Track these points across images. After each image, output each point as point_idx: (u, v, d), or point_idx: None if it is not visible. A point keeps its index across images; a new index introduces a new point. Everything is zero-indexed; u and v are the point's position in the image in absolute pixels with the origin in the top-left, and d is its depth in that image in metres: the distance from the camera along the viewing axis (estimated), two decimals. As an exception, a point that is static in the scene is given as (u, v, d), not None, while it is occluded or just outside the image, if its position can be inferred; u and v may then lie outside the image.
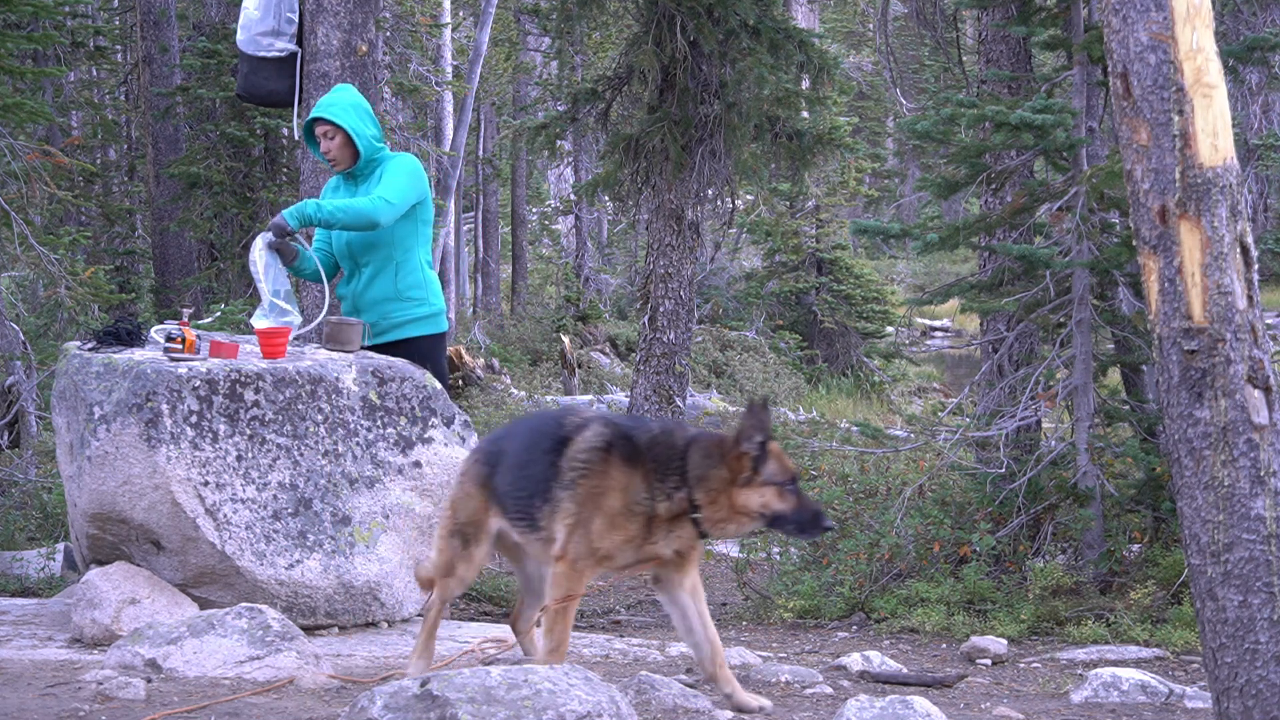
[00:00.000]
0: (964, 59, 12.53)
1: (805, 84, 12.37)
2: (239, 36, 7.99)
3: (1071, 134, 7.45)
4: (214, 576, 5.74)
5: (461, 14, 23.63)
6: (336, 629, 5.90)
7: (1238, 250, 3.54)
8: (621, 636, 6.56)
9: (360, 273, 6.40)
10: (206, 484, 5.64)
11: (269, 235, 6.13)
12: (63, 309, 11.60)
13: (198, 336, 5.93)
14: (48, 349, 11.15)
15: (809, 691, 5.22)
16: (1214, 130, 3.54)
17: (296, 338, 6.31)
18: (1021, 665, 6.19)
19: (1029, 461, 7.49)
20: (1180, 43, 3.57)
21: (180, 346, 5.82)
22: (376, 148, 6.27)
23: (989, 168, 7.82)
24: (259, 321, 6.17)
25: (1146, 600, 6.83)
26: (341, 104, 6.26)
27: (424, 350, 6.40)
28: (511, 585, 8.18)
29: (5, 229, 10.58)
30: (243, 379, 5.77)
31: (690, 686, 4.69)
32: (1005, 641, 6.48)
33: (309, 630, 5.58)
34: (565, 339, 18.02)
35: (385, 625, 6.06)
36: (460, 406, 8.26)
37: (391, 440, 6.08)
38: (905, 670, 5.81)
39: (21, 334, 10.59)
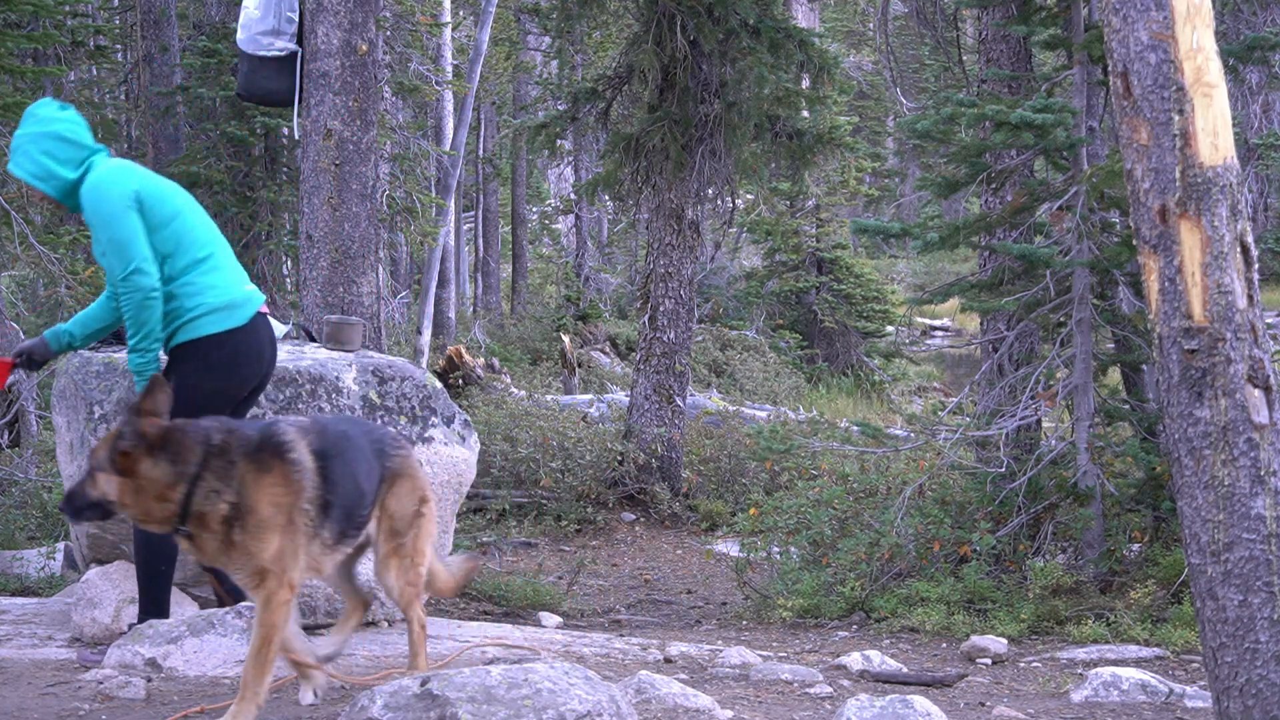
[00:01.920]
0: (964, 58, 12.53)
1: (805, 83, 12.38)
2: (239, 36, 7.98)
3: (1071, 133, 7.45)
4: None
5: (461, 13, 23.60)
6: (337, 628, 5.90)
7: (1238, 249, 3.54)
8: (621, 636, 6.55)
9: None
10: (206, 483, 5.64)
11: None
12: (63, 308, 11.58)
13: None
14: (48, 348, 11.12)
15: (809, 691, 5.23)
16: (1214, 129, 3.54)
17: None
18: (1021, 665, 6.18)
19: (1029, 461, 7.49)
20: (1180, 42, 3.57)
21: (180, 346, 5.80)
22: (68, 180, 5.10)
23: (989, 167, 7.82)
24: None
25: (1146, 600, 6.82)
26: (22, 148, 5.12)
27: (171, 365, 5.19)
28: (512, 585, 8.19)
29: (5, 228, 10.58)
30: (243, 378, 5.75)
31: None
32: (1005, 641, 6.48)
33: (309, 630, 5.57)
34: (565, 338, 18.00)
35: (385, 625, 6.05)
36: (460, 406, 8.27)
37: (391, 439, 6.06)
38: (905, 670, 5.82)
39: (22, 333, 10.59)
